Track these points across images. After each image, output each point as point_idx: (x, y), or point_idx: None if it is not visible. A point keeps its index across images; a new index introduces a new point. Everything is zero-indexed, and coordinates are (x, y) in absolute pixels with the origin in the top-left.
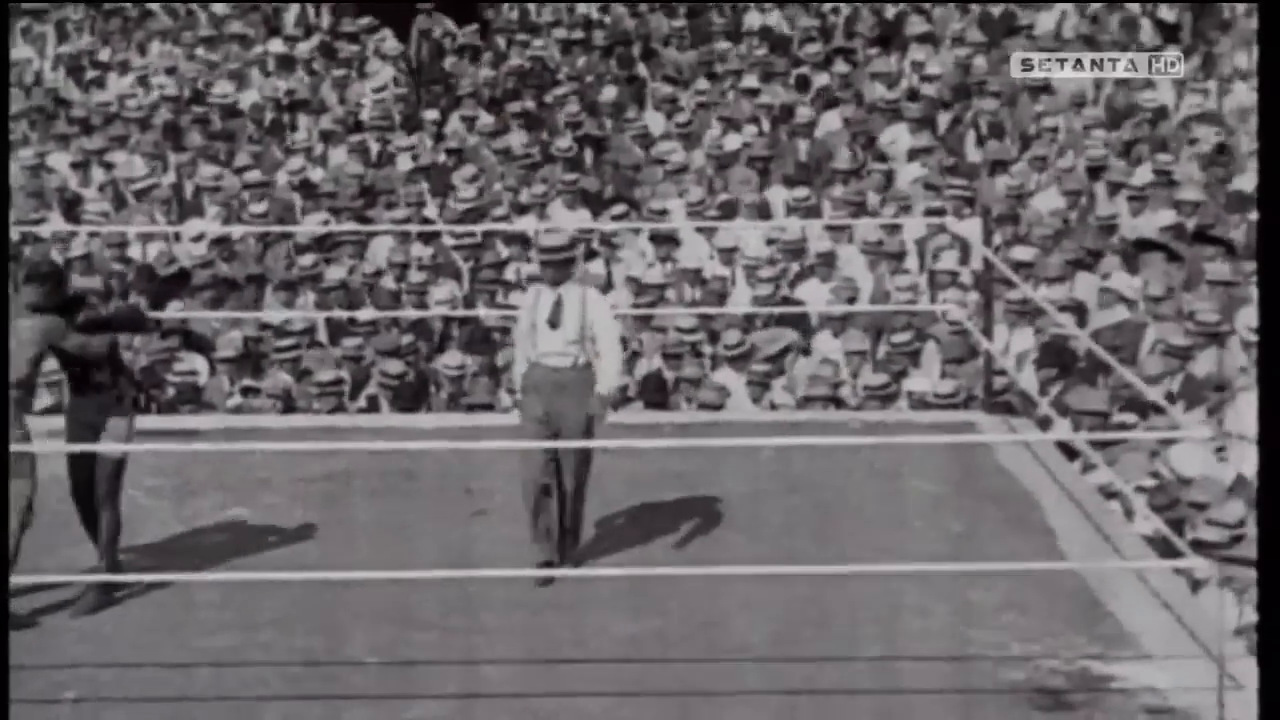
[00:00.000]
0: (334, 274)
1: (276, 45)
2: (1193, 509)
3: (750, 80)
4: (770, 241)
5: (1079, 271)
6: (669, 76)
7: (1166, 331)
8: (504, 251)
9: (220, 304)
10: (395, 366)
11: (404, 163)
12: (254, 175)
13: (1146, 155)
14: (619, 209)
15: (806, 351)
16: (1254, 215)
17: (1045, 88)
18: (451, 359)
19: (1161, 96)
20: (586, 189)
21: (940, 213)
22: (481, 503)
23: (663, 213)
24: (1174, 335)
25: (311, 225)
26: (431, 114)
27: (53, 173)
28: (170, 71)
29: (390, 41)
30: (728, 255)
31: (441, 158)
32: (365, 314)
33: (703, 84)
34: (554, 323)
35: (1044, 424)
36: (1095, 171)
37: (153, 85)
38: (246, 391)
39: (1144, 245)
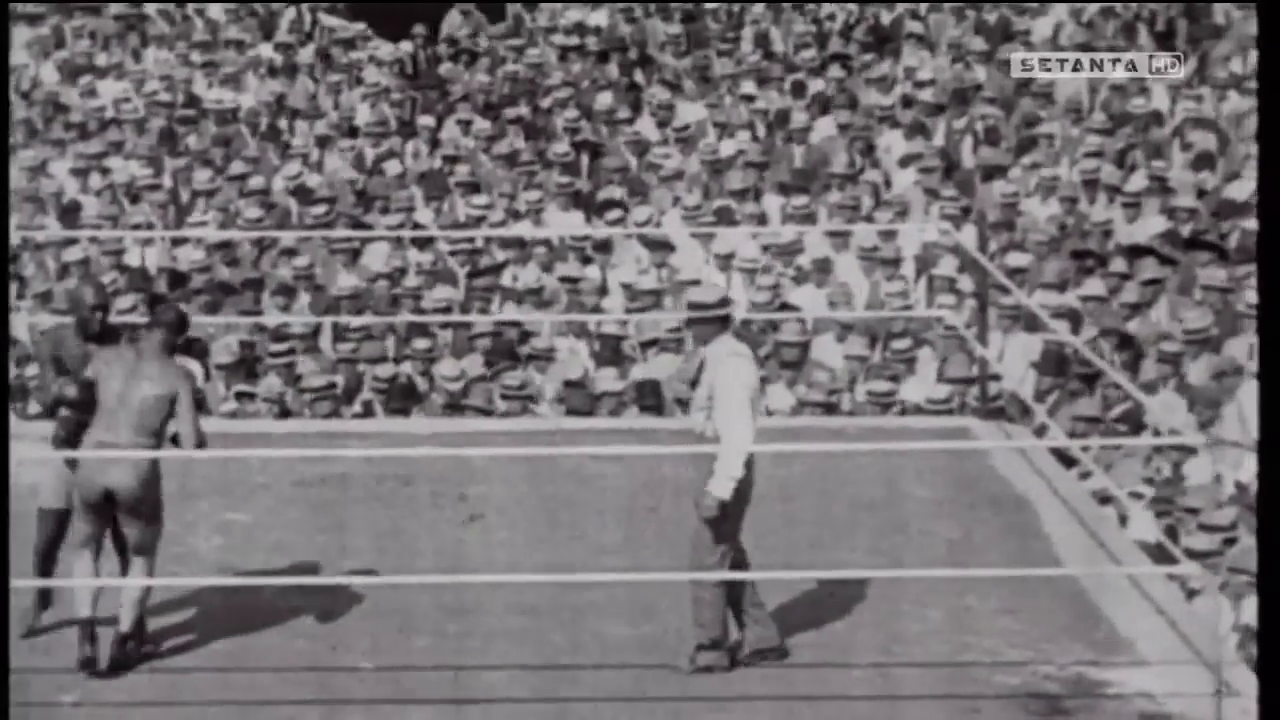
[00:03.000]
0: (346, 281)
1: (271, 50)
2: (1187, 514)
3: (747, 86)
4: (765, 247)
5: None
6: (665, 80)
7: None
8: (500, 256)
9: (217, 309)
10: (386, 369)
11: (397, 168)
12: (250, 181)
13: (1141, 161)
14: (614, 214)
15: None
16: (1246, 221)
17: (1041, 93)
18: (449, 368)
19: (1156, 102)
20: (581, 191)
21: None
22: (477, 508)
23: (646, 223)
24: (1167, 342)
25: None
26: (427, 119)
27: (51, 178)
28: (166, 77)
29: (387, 47)
30: (724, 261)
31: (437, 163)
32: (359, 320)
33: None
34: (693, 385)
35: (1039, 430)
36: (1090, 183)
37: (148, 90)
38: (241, 396)
39: (1136, 251)
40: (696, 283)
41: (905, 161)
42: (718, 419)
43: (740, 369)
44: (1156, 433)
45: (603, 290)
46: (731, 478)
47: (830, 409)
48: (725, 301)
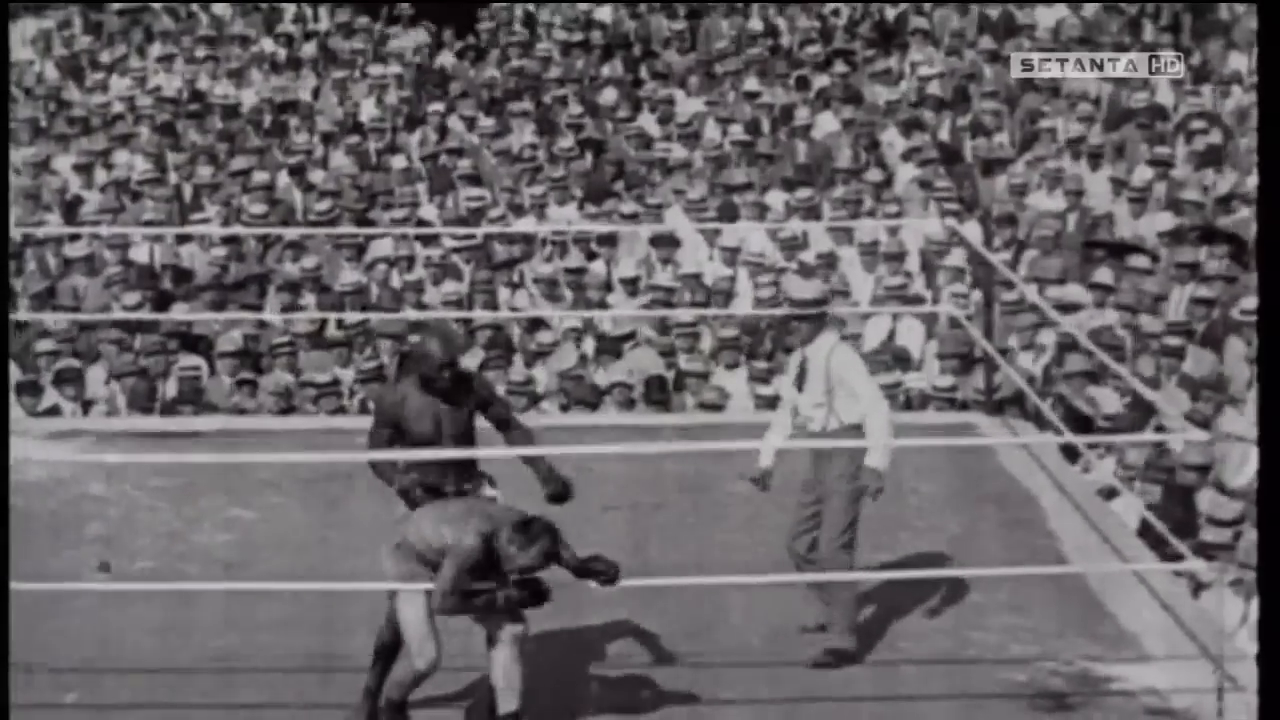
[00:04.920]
0: (348, 277)
1: (274, 46)
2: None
3: (750, 82)
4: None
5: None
6: (658, 73)
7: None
8: (507, 252)
9: (223, 305)
10: (371, 361)
11: (402, 163)
12: (255, 177)
13: (1144, 155)
14: (623, 209)
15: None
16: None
17: (1046, 87)
18: None
19: (1160, 97)
20: (579, 185)
21: (941, 214)
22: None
23: (658, 206)
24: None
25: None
26: (432, 115)
27: (55, 175)
28: (170, 72)
29: (394, 42)
30: (730, 255)
31: (442, 159)
32: (361, 315)
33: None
34: (799, 385)
35: (1043, 424)
36: (1092, 158)
37: (152, 86)
38: (242, 384)
39: (1093, 245)
40: (699, 276)
41: (909, 156)
42: (845, 406)
43: (854, 355)
44: (1161, 428)
45: (607, 285)
46: (888, 449)
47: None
48: (825, 299)
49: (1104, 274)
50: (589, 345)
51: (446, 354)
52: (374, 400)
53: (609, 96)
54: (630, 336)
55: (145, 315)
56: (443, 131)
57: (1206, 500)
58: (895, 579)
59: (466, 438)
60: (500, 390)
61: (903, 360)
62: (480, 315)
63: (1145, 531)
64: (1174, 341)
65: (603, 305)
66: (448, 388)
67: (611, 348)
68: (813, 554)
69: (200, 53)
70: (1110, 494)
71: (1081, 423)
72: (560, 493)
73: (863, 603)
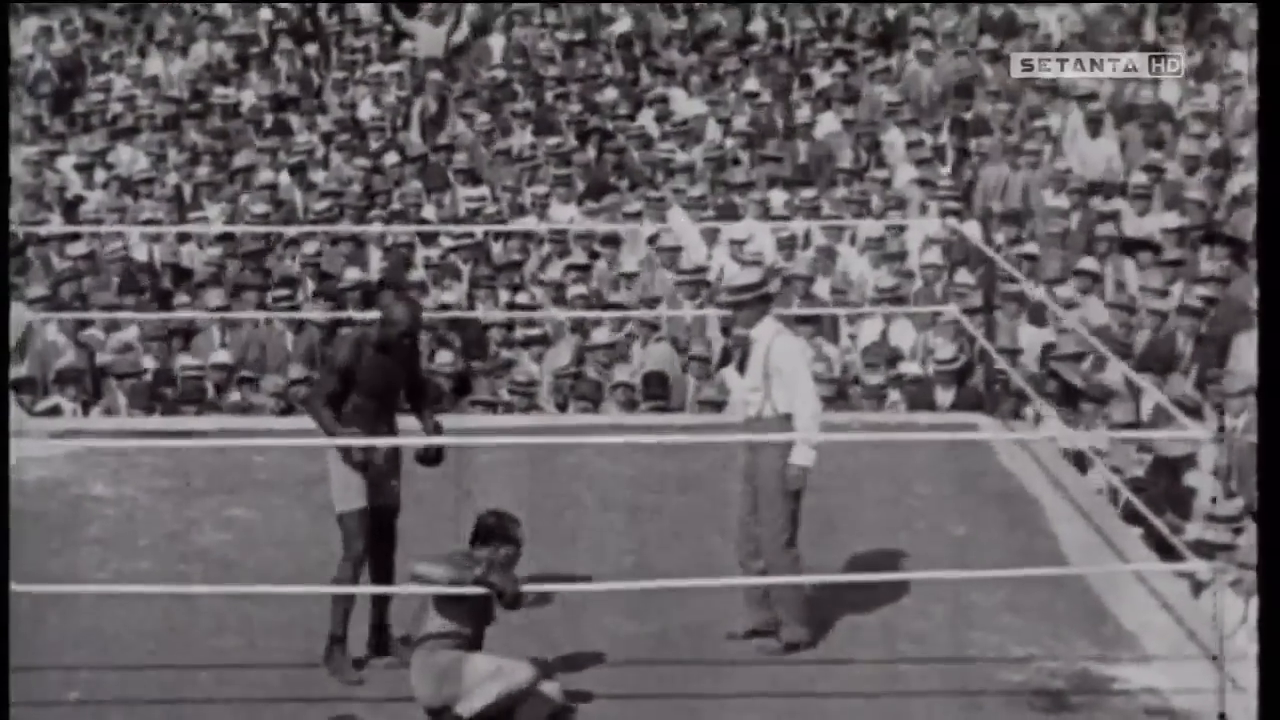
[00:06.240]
0: (351, 275)
1: (277, 44)
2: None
3: (750, 82)
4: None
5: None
6: (659, 69)
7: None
8: (506, 252)
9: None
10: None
11: (399, 158)
12: (255, 176)
13: (1146, 155)
14: (631, 207)
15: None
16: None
17: (1047, 87)
18: (444, 357)
19: (1165, 95)
20: (581, 182)
21: (942, 213)
22: (480, 504)
23: (660, 200)
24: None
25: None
26: (431, 113)
27: (56, 173)
28: (170, 71)
29: (406, 43)
30: (736, 250)
31: (439, 154)
32: (361, 315)
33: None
34: (741, 368)
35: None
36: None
37: (152, 84)
38: (244, 383)
39: (1132, 245)
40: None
41: (910, 156)
42: (781, 395)
43: (794, 344)
44: (1162, 412)
45: (611, 284)
46: (810, 445)
47: (839, 397)
48: (766, 281)
49: (1089, 262)
50: (593, 343)
51: (410, 322)
52: (332, 351)
53: (609, 95)
54: (652, 327)
55: (148, 315)
56: (443, 104)
57: (1195, 480)
58: (895, 577)
59: (409, 391)
60: (503, 392)
61: (893, 362)
62: (481, 315)
63: (1131, 515)
64: (1180, 339)
65: (606, 305)
66: (402, 351)
67: (623, 346)
68: (755, 561)
69: (201, 51)
70: (1080, 461)
71: (1072, 397)
72: (431, 457)
73: (862, 603)
